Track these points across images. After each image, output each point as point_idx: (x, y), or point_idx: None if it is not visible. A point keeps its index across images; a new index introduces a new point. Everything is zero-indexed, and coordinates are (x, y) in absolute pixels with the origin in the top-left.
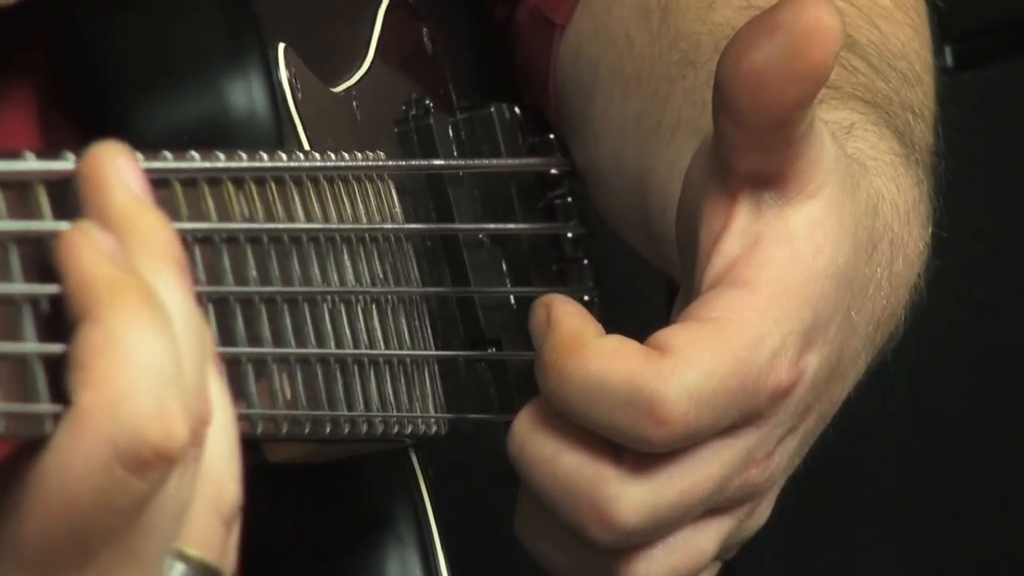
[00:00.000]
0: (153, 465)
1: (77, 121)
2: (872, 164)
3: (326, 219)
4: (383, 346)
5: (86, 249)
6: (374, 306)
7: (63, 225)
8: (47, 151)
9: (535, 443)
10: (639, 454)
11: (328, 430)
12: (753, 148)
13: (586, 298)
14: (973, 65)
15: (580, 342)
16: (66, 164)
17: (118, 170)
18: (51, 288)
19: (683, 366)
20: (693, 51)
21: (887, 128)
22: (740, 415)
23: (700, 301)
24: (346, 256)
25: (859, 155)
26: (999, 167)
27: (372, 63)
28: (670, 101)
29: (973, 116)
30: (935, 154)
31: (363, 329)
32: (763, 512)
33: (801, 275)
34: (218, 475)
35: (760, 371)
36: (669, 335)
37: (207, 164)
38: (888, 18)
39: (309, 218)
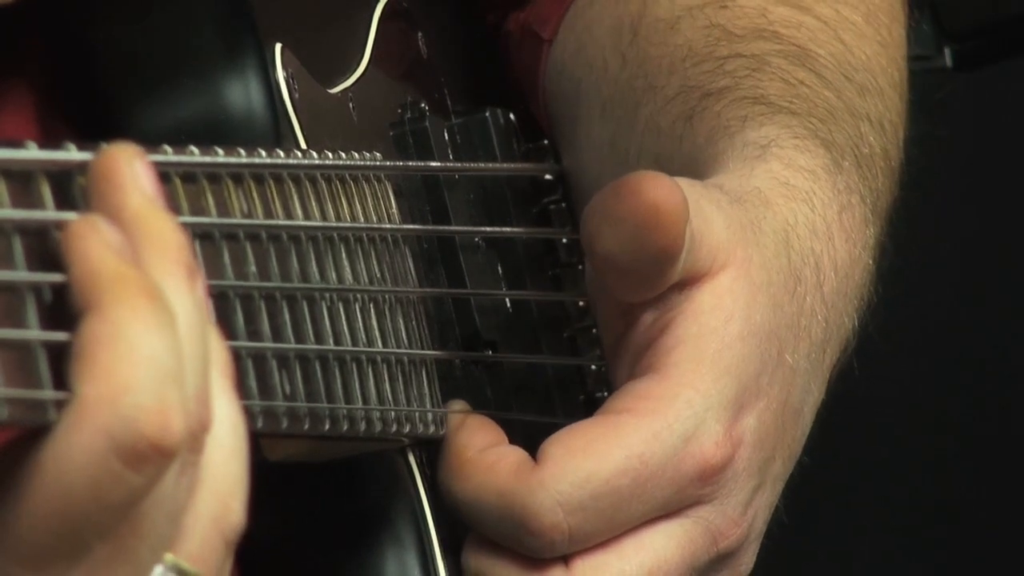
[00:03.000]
0: (149, 459)
1: (75, 121)
2: (782, 190)
3: (324, 219)
4: (381, 346)
5: (93, 241)
6: (372, 306)
7: (67, 215)
8: (49, 142)
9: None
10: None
11: (327, 427)
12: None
13: (581, 304)
14: (973, 65)
15: (460, 461)
16: (68, 155)
17: (135, 172)
18: (54, 277)
19: (552, 477)
20: (654, 75)
21: (812, 138)
22: (662, 503)
23: (614, 395)
24: (344, 256)
25: (766, 183)
26: (999, 167)
27: (368, 66)
28: (635, 128)
29: (973, 116)
30: (902, 165)
31: (361, 328)
32: (747, 563)
33: (713, 347)
34: (226, 495)
35: (667, 459)
36: (550, 443)
37: (207, 159)
38: (856, 33)
39: (307, 217)
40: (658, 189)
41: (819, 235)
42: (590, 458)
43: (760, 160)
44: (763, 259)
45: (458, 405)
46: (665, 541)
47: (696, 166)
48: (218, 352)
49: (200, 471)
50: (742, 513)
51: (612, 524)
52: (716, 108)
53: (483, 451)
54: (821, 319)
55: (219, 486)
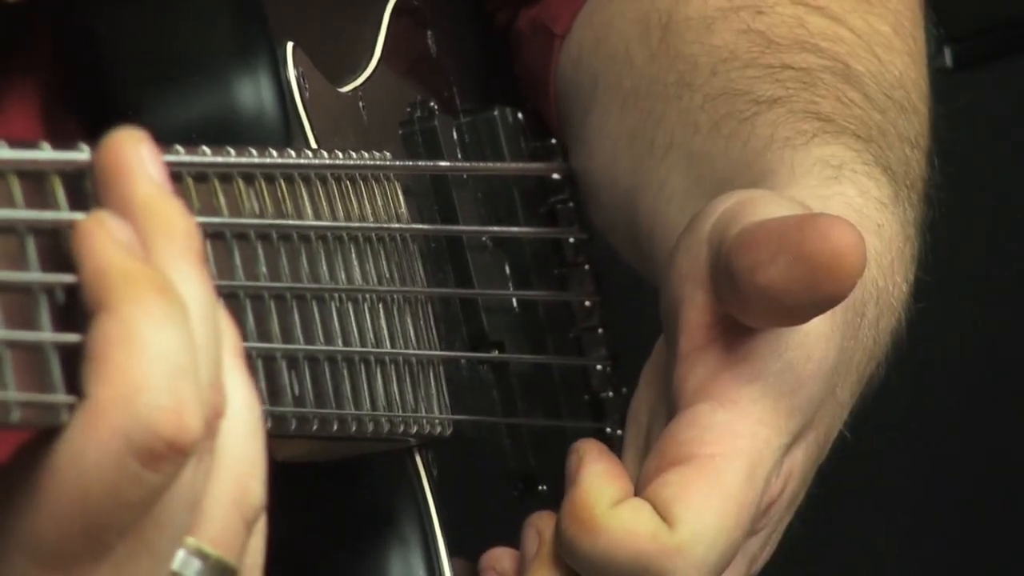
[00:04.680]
0: (167, 458)
1: (80, 118)
2: (856, 219)
3: (334, 218)
4: (389, 345)
5: (103, 239)
6: (381, 306)
7: (79, 216)
8: (62, 142)
9: None
10: None
11: (335, 427)
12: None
13: (587, 303)
14: (973, 65)
15: (591, 515)
16: (81, 155)
17: (141, 159)
18: (67, 278)
19: (690, 543)
20: (690, 72)
21: (877, 166)
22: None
23: (690, 429)
24: (354, 255)
25: (844, 209)
26: (999, 167)
27: (378, 65)
28: (664, 121)
29: (973, 116)
30: (930, 183)
31: (370, 328)
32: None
33: (790, 386)
34: (244, 475)
35: (758, 501)
36: (673, 501)
37: (219, 159)
38: (887, 46)
39: (318, 216)
40: (846, 237)
41: (884, 270)
42: (713, 517)
43: (835, 182)
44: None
45: (587, 445)
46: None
47: (748, 170)
48: (228, 333)
49: (216, 455)
50: (768, 540)
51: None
52: (770, 116)
53: (616, 508)
54: (869, 355)
55: (237, 468)
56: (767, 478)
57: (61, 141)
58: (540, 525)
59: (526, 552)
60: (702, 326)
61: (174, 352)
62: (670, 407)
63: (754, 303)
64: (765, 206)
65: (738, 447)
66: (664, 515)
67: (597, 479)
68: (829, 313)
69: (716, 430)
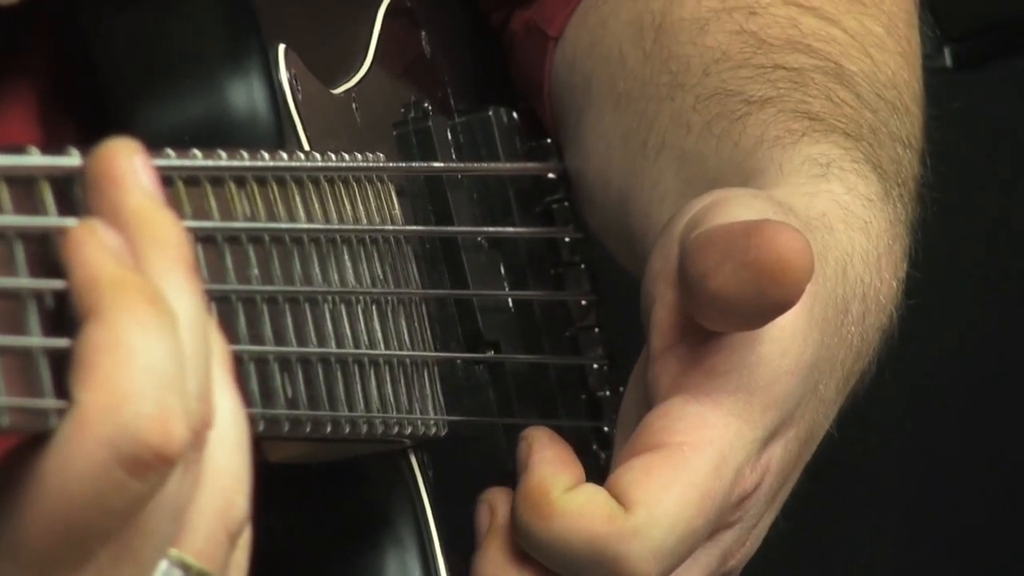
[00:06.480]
0: (152, 467)
1: (77, 120)
2: (842, 215)
3: (327, 220)
4: (383, 347)
5: (93, 247)
6: (374, 307)
7: (69, 221)
8: (51, 147)
9: None
10: None
11: (329, 429)
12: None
13: (584, 303)
14: (973, 65)
15: (546, 500)
16: (71, 160)
17: (134, 168)
18: (56, 284)
19: (646, 526)
20: (683, 73)
21: (867, 164)
22: (710, 532)
23: (662, 419)
24: (347, 257)
25: (830, 206)
26: (998, 167)
27: (371, 65)
28: (657, 121)
29: (973, 116)
30: (922, 184)
31: (363, 330)
32: (739, 567)
33: (765, 380)
34: (229, 489)
35: (726, 492)
36: (633, 486)
37: (210, 163)
38: (880, 47)
39: (310, 218)
40: (791, 243)
41: (870, 267)
42: (672, 502)
43: (823, 179)
44: (824, 292)
45: (536, 432)
46: (690, 563)
47: (739, 170)
48: (217, 346)
49: (202, 467)
50: (747, 535)
51: (683, 562)
52: (761, 116)
53: (571, 492)
54: (855, 352)
55: (222, 480)
56: (738, 470)
57: (59, 143)
58: (492, 500)
59: (479, 528)
60: (674, 325)
61: (162, 361)
62: (649, 406)
63: (707, 308)
64: (736, 207)
65: (707, 437)
66: (623, 500)
67: (549, 465)
68: (806, 308)
69: (687, 420)
